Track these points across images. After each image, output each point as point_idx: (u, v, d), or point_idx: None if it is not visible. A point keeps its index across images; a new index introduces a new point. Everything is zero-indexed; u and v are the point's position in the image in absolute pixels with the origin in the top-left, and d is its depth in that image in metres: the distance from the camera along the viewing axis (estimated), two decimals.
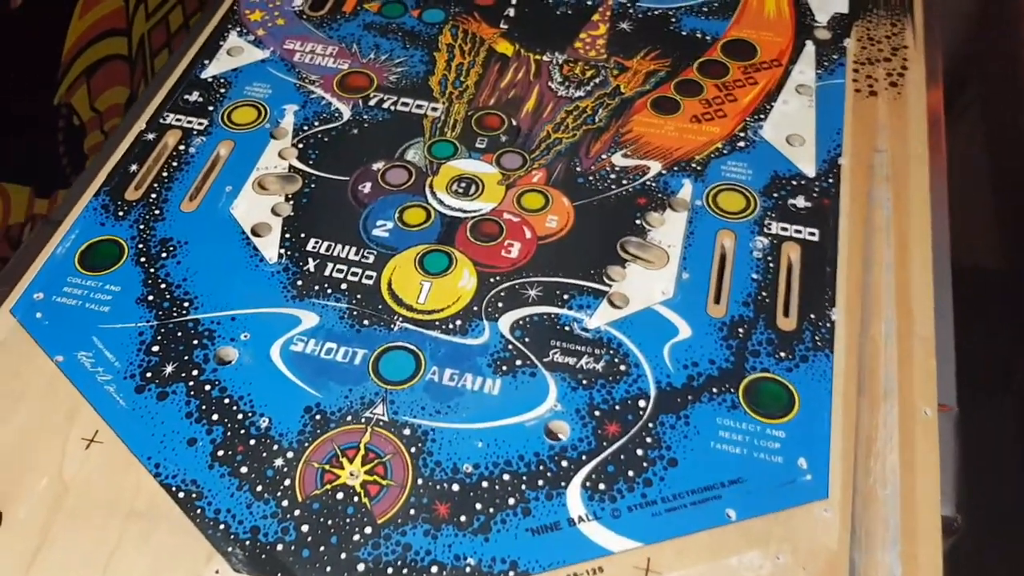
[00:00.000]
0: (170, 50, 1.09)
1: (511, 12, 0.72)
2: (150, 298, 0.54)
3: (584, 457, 0.48)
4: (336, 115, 0.65)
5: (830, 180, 0.60)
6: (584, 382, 0.51)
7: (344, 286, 0.55)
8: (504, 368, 0.51)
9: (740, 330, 0.53)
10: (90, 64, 0.96)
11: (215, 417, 0.49)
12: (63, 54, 0.91)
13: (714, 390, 0.50)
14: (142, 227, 0.58)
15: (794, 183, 0.60)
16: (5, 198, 0.88)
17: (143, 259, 0.56)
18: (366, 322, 0.53)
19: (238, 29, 0.71)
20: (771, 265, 0.56)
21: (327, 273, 0.56)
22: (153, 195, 0.60)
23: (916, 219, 0.58)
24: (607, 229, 0.58)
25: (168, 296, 0.54)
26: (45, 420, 0.49)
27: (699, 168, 0.61)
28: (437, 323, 0.53)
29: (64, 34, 0.91)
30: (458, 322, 0.53)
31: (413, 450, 0.48)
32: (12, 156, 0.88)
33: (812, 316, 0.54)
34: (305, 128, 0.64)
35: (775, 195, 0.60)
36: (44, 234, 0.59)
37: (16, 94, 0.86)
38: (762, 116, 0.64)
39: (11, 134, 0.87)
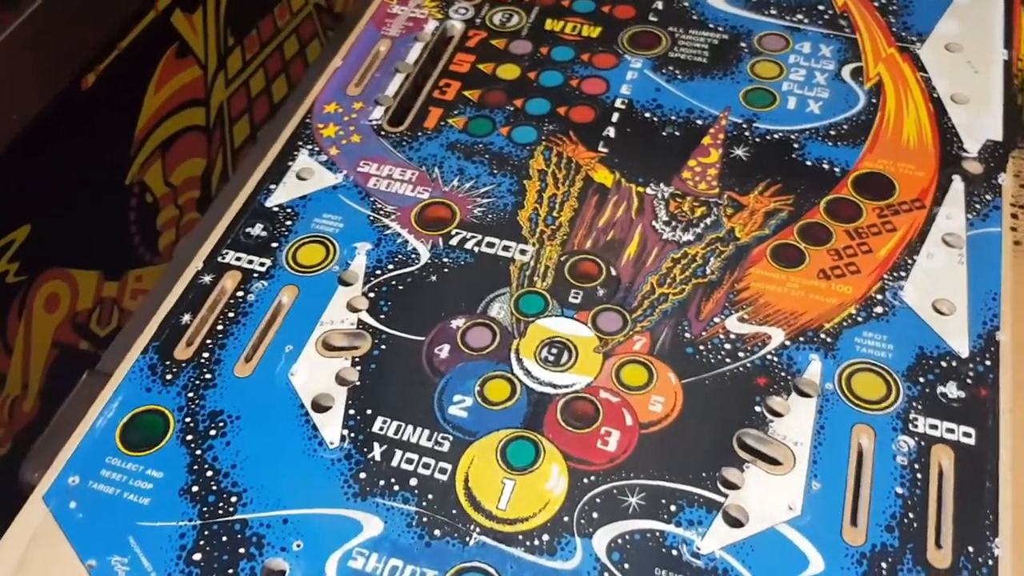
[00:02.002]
0: (251, 117, 1.05)
1: (611, 132, 0.64)
2: (194, 489, 0.48)
3: None
4: (413, 257, 0.58)
5: (987, 362, 0.51)
6: None
7: (414, 482, 0.48)
8: None
9: (883, 565, 0.44)
10: (166, 138, 0.92)
11: None
12: (136, 131, 0.87)
13: None
14: (191, 395, 0.51)
15: (944, 364, 0.51)
16: (72, 284, 0.84)
17: (189, 437, 0.50)
18: (438, 532, 0.46)
19: (309, 147, 0.64)
20: (919, 476, 0.47)
21: (395, 463, 0.48)
22: (205, 354, 0.53)
23: None
24: (722, 417, 0.50)
25: (214, 487, 0.48)
26: None
27: (829, 340, 0.52)
28: (520, 536, 0.46)
29: (138, 111, 0.87)
30: (545, 537, 0.46)
31: None
32: (80, 242, 0.84)
33: (970, 549, 0.44)
34: (378, 272, 0.57)
35: (921, 380, 0.50)
36: (90, 389, 0.53)
37: (85, 179, 0.82)
38: (903, 273, 0.55)
39: (79, 221, 0.83)
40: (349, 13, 0.73)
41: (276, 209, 0.61)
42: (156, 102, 0.90)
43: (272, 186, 0.62)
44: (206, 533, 0.46)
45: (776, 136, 0.63)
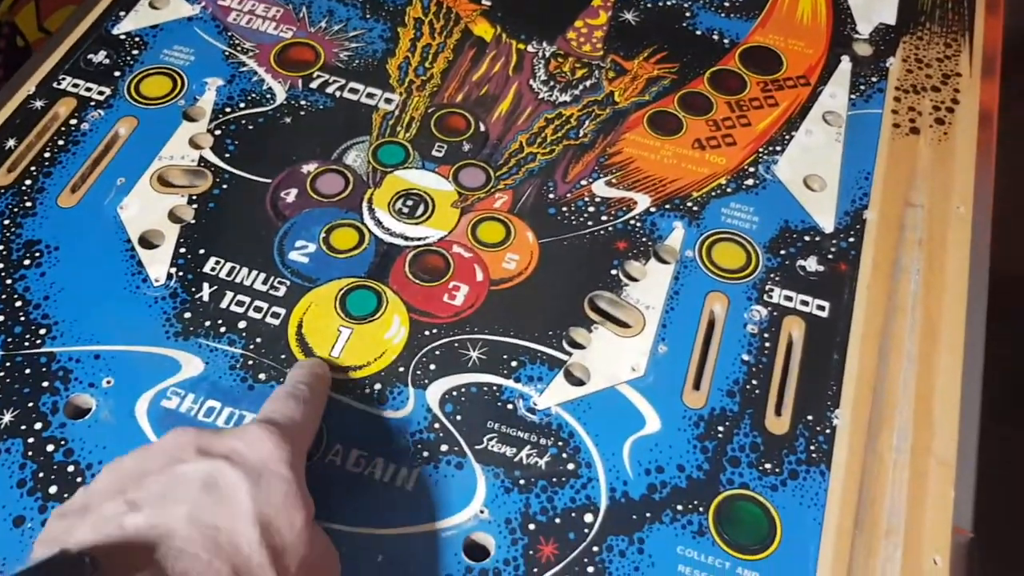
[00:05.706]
0: None
1: None
2: (0, 318, 0.44)
3: None
4: (268, 96, 0.53)
5: (851, 239, 0.50)
6: (522, 482, 0.41)
7: (242, 324, 0.45)
8: (426, 454, 0.41)
9: (720, 428, 0.43)
10: None
11: (52, 490, 0.39)
12: None
13: (679, 507, 0.41)
14: (6, 222, 0.47)
15: (807, 239, 0.50)
16: None
17: (0, 265, 0.46)
18: (262, 376, 0.43)
19: None
20: (767, 345, 0.46)
21: (224, 305, 0.45)
22: (28, 181, 0.49)
23: (950, 301, 0.48)
24: (576, 278, 0.48)
25: (22, 318, 0.44)
26: None
27: (695, 209, 0.50)
28: (350, 384, 0.43)
29: None
30: (377, 385, 0.43)
31: None
32: None
33: (810, 418, 0.44)
34: (228, 110, 0.53)
35: (782, 252, 0.49)
36: None
37: None
38: (779, 148, 0.53)
39: None
40: None
41: (123, 37, 0.56)
42: None
43: (122, 13, 0.57)
44: (8, 364, 0.43)
45: (669, 3, 0.60)
